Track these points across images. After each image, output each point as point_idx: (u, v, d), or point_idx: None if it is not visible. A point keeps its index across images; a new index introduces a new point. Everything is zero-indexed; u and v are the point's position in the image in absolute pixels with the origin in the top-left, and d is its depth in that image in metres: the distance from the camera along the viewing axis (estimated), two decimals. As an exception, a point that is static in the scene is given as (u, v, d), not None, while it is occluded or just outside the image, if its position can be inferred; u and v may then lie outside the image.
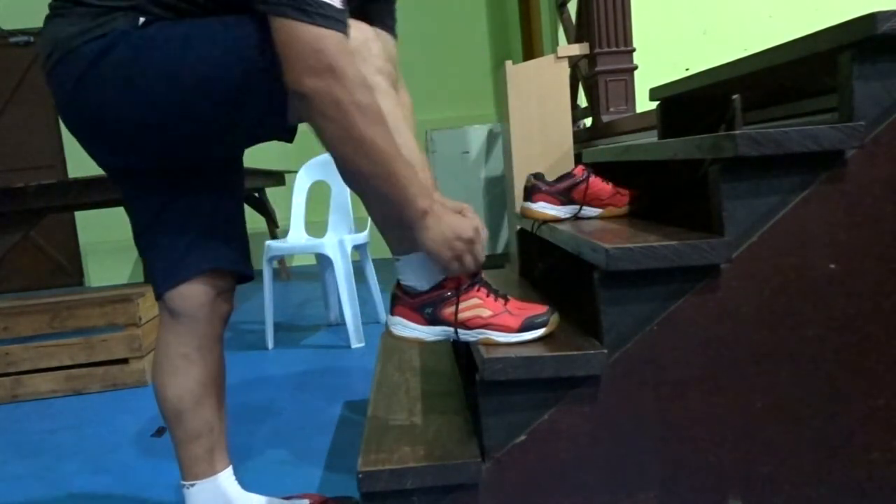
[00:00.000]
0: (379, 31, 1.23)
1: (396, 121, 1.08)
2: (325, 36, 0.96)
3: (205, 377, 1.24)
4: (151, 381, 1.25)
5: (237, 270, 1.25)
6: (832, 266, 1.12)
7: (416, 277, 1.15)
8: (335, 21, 0.97)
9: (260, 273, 3.00)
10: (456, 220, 1.10)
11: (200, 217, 1.20)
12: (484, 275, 1.23)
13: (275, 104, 1.02)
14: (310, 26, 0.95)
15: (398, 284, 1.19)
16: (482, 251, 1.14)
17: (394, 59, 1.30)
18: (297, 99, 0.99)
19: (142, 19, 1.01)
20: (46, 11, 1.09)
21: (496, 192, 4.11)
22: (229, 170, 1.26)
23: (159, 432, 2.10)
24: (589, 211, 1.64)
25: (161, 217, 1.19)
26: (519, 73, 2.36)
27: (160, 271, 1.21)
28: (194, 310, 1.21)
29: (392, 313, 1.19)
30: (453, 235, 1.08)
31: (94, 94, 1.02)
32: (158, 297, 1.22)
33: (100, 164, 1.17)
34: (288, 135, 1.10)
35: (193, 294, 1.21)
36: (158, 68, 0.99)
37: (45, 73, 1.07)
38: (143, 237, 1.22)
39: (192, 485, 1.24)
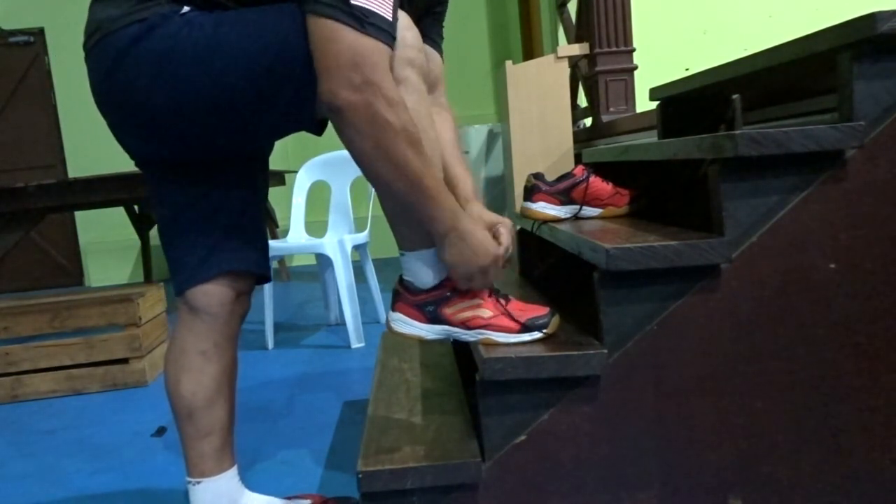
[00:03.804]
0: (426, 47, 1.23)
1: (420, 118, 1.07)
2: (369, 48, 0.94)
3: (219, 375, 1.24)
4: (164, 377, 1.25)
5: (258, 271, 1.25)
6: (832, 266, 1.12)
7: (419, 274, 1.15)
8: (385, 33, 0.96)
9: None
10: (478, 243, 1.10)
11: (228, 215, 1.20)
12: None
13: (304, 97, 1.01)
14: (358, 34, 0.93)
15: (400, 280, 1.19)
16: (493, 277, 1.15)
17: (440, 75, 1.30)
18: (328, 110, 0.98)
19: (186, 8, 1.01)
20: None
21: (496, 192, 4.11)
22: (256, 169, 1.26)
23: (159, 432, 2.10)
24: (589, 211, 1.64)
25: (189, 213, 1.18)
26: (519, 73, 2.36)
27: (184, 268, 1.20)
28: (215, 308, 1.21)
29: (393, 309, 1.19)
30: (471, 258, 1.10)
31: (129, 77, 1.01)
32: (179, 293, 1.22)
33: (130, 153, 1.16)
34: (317, 127, 1.09)
35: (215, 293, 1.20)
36: (194, 54, 0.99)
37: (85, 55, 1.07)
38: (169, 232, 1.21)
39: (198, 482, 1.24)
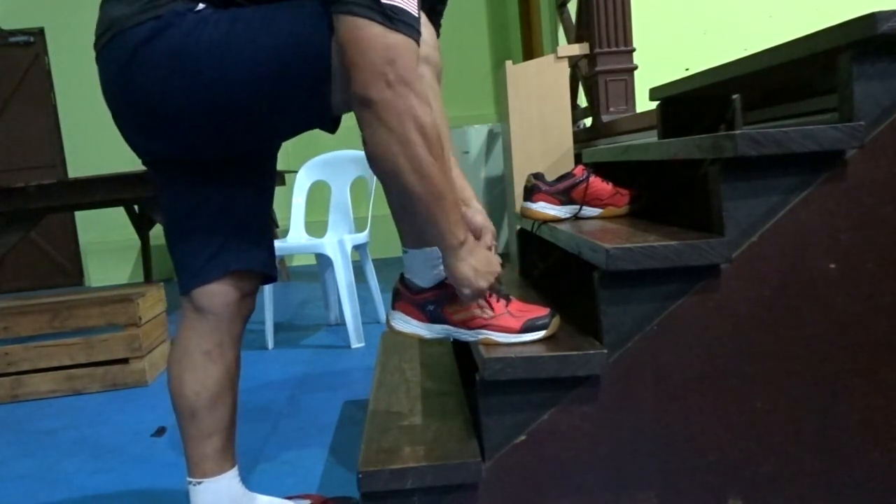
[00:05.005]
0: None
1: (435, 114, 1.06)
2: (401, 45, 0.94)
3: (223, 376, 1.23)
4: (167, 377, 1.24)
5: (264, 271, 1.25)
6: (832, 266, 1.12)
7: (421, 273, 1.15)
8: (413, 29, 0.96)
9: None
10: (487, 253, 1.12)
11: (235, 215, 1.20)
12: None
13: (320, 94, 1.01)
14: (390, 32, 0.94)
15: (401, 279, 1.19)
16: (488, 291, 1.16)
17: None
18: (359, 105, 0.98)
19: (201, 5, 1.01)
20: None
21: (496, 192, 4.11)
22: (264, 168, 1.26)
23: (159, 432, 2.10)
24: (589, 211, 1.64)
25: (196, 212, 1.18)
26: (519, 73, 2.36)
27: (190, 268, 1.20)
28: (220, 308, 1.21)
29: (394, 308, 1.19)
30: (484, 269, 1.10)
31: (143, 75, 1.01)
32: (184, 293, 1.22)
33: (139, 153, 1.16)
34: (331, 124, 1.09)
35: (220, 292, 1.20)
36: (209, 52, 0.98)
37: (96, 54, 1.07)
38: (176, 231, 1.21)
39: (199, 482, 1.24)
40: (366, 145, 1.11)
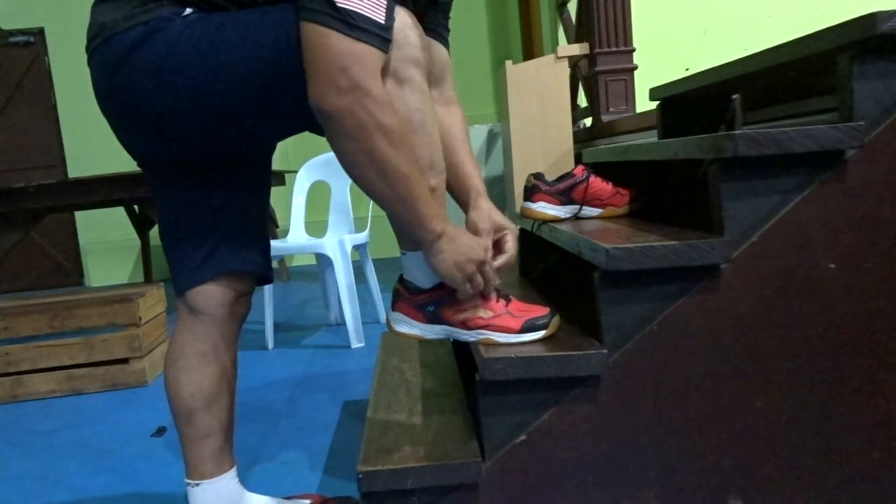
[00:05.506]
0: (431, 39, 1.22)
1: (424, 119, 1.06)
2: (358, 52, 0.94)
3: (219, 376, 1.23)
4: (164, 378, 1.25)
5: (259, 272, 1.25)
6: (832, 266, 1.12)
7: (420, 274, 1.15)
8: (376, 37, 0.95)
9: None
10: (467, 241, 1.09)
11: (230, 216, 1.20)
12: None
13: (307, 97, 1.00)
14: (346, 38, 0.93)
15: (401, 280, 1.19)
16: (493, 273, 1.14)
17: (447, 67, 1.29)
18: (316, 114, 0.98)
19: (188, 10, 1.01)
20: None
21: (496, 192, 4.11)
22: (259, 169, 1.26)
23: (159, 432, 2.10)
24: (589, 211, 1.64)
25: (191, 213, 1.18)
26: (519, 73, 2.36)
27: (185, 269, 1.20)
28: (215, 309, 1.21)
29: (393, 309, 1.19)
30: (464, 258, 1.08)
31: (133, 79, 1.01)
32: (179, 294, 1.22)
33: (133, 154, 1.16)
34: (321, 127, 1.09)
35: (215, 293, 1.20)
36: (196, 56, 0.99)
37: (87, 57, 1.08)
38: (171, 233, 1.21)
39: (198, 484, 1.24)
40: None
